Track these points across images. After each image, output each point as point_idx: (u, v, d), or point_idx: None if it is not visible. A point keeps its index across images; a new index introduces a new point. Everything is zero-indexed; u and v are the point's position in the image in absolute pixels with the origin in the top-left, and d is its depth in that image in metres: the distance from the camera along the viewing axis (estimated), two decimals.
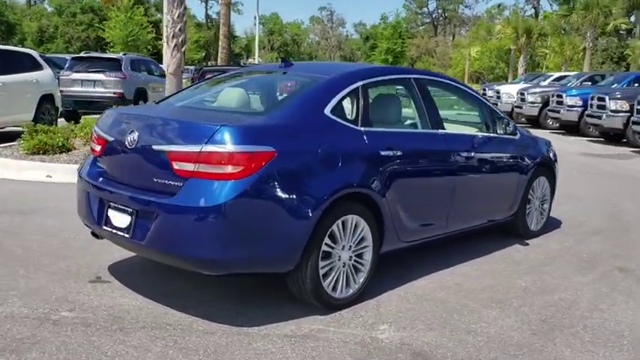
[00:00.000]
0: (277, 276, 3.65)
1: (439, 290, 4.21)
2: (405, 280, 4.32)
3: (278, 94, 4.47)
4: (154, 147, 3.47)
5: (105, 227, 3.71)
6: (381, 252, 4.00)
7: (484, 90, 23.68)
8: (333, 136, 3.75)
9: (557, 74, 23.78)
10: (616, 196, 7.96)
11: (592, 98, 14.85)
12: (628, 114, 13.43)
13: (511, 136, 5.27)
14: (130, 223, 3.51)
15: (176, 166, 3.33)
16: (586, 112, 15.18)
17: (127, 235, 3.53)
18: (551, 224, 6.06)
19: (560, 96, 16.63)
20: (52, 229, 5.32)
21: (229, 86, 4.55)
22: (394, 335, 3.45)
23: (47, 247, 4.83)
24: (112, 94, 14.50)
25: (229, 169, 3.22)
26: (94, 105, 13.94)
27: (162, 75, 18.83)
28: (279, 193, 3.36)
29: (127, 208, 3.55)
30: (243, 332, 3.39)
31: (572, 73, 22.75)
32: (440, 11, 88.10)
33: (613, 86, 16.14)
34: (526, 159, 5.43)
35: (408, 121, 4.54)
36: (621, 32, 39.70)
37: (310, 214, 3.45)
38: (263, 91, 4.65)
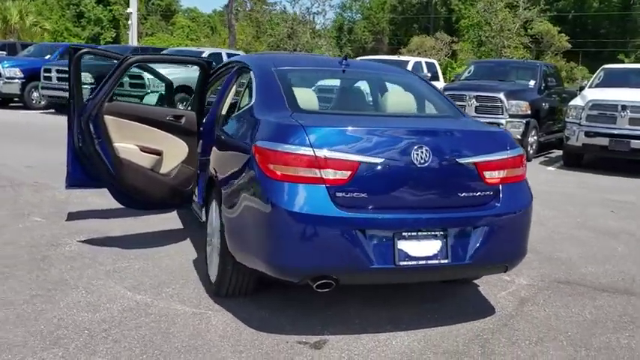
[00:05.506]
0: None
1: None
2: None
3: (415, 95, 4.48)
4: (460, 160, 3.53)
5: (400, 263, 3.31)
6: None
7: None
8: None
9: None
10: None
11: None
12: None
13: None
14: (443, 247, 3.42)
15: (488, 175, 3.56)
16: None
17: (444, 261, 3.41)
18: None
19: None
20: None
21: (375, 91, 4.82)
22: None
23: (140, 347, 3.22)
24: None
25: (523, 170, 3.77)
26: None
27: None
28: None
29: (434, 233, 3.43)
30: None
31: None
32: None
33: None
34: None
35: None
36: None
37: None
38: (385, 91, 4.77)
